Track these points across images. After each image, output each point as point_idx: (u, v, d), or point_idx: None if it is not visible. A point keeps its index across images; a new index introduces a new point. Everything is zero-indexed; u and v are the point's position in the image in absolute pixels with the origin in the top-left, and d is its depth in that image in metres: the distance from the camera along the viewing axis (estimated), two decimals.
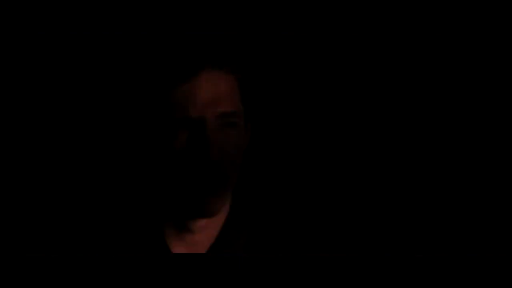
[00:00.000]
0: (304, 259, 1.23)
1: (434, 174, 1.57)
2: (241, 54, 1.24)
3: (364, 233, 1.54)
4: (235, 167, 1.20)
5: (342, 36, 1.56)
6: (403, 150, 1.58)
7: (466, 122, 1.56)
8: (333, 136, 1.60)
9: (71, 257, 1.21)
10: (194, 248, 1.23)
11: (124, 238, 1.24)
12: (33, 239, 1.26)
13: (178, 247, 1.23)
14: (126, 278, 1.19)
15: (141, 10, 1.51)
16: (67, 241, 1.24)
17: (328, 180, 1.60)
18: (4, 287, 1.22)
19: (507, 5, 1.50)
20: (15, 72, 1.52)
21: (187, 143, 1.16)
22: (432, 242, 1.54)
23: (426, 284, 1.43)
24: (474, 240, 1.53)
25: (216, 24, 1.53)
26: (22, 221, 1.48)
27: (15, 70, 1.52)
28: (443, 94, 1.56)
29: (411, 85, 1.57)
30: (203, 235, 1.24)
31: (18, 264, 1.23)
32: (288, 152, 1.61)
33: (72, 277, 1.19)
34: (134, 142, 1.25)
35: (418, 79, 1.57)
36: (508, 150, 1.54)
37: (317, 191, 1.59)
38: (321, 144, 1.60)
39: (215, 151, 1.15)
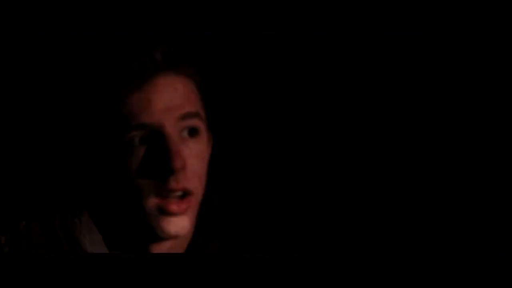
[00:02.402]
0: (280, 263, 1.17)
1: (426, 173, 1.57)
2: (199, 57, 1.13)
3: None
4: (201, 183, 1.08)
5: (307, 36, 1.53)
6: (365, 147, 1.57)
7: (464, 122, 1.56)
8: (299, 145, 1.56)
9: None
10: None
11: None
12: None
13: None
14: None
15: (88, 11, 1.42)
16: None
17: (294, 190, 1.56)
18: None
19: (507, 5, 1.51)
20: None
21: (145, 156, 1.04)
22: (422, 242, 1.54)
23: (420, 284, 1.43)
24: (474, 240, 1.53)
25: (172, 24, 1.44)
26: None
27: None
28: (429, 94, 1.56)
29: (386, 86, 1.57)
30: None
31: None
32: (253, 162, 1.55)
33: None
34: (84, 160, 1.10)
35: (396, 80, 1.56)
36: (508, 150, 1.54)
37: (283, 199, 1.55)
38: (287, 154, 1.56)
39: (178, 160, 1.03)
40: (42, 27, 1.43)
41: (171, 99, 1.05)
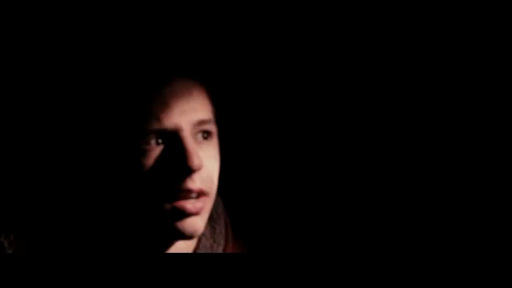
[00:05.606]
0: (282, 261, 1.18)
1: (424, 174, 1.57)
2: (210, 64, 1.15)
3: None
4: (215, 185, 1.10)
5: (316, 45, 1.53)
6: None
7: (462, 123, 1.56)
8: (304, 153, 1.56)
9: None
10: None
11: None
12: None
13: None
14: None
15: (108, 15, 1.43)
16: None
17: (298, 191, 1.56)
18: None
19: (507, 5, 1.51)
20: None
21: (162, 157, 1.05)
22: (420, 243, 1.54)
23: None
24: (474, 240, 1.53)
25: (186, 31, 1.45)
26: None
27: None
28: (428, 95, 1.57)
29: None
30: None
31: None
32: (257, 166, 1.56)
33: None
34: (102, 162, 1.10)
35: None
36: (508, 150, 1.54)
37: (287, 201, 1.56)
38: (293, 161, 1.56)
39: (196, 159, 1.04)
40: (59, 29, 1.44)
41: (187, 102, 1.06)
